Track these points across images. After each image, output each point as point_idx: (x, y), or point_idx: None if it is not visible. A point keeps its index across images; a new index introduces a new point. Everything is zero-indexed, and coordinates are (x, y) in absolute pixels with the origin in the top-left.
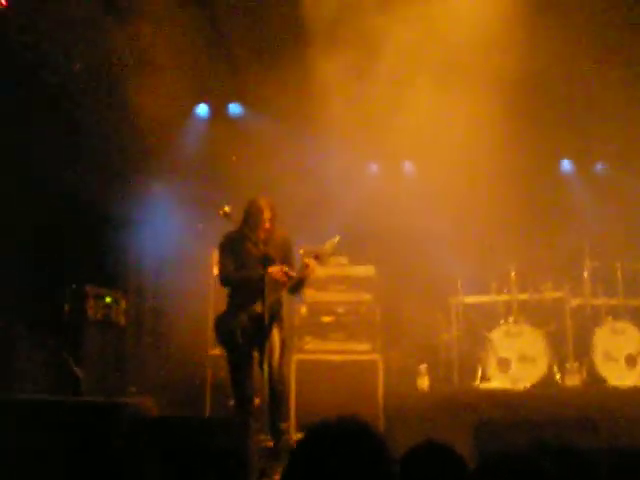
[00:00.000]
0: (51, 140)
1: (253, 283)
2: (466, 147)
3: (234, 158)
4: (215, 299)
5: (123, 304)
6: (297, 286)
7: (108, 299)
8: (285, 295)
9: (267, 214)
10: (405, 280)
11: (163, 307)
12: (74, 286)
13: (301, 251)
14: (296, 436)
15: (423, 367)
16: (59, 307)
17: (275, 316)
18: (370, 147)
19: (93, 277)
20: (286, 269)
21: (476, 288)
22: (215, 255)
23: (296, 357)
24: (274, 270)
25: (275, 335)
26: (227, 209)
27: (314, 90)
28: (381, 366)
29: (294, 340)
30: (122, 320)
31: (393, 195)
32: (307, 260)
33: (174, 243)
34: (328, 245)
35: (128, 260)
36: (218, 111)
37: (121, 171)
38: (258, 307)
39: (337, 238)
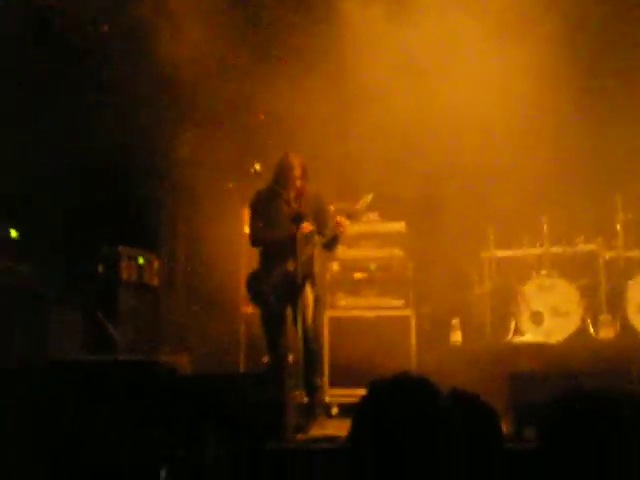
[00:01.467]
0: (77, 100)
1: (285, 242)
2: (504, 95)
3: (262, 116)
4: (247, 258)
5: (156, 265)
6: (329, 244)
7: (141, 260)
8: (317, 253)
9: (298, 171)
10: (437, 236)
11: (195, 267)
12: (107, 247)
13: (332, 208)
14: (331, 392)
15: (456, 322)
16: (93, 268)
17: (308, 274)
18: (408, 98)
19: (126, 238)
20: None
21: (508, 242)
22: (246, 214)
23: (329, 314)
24: (306, 227)
25: (308, 293)
26: (258, 167)
27: (347, 40)
28: (414, 322)
29: (326, 297)
30: (155, 281)
31: (424, 149)
32: (339, 218)
33: (204, 204)
34: (361, 203)
35: (160, 221)
36: None
37: (152, 132)
38: (290, 265)
39: (370, 196)
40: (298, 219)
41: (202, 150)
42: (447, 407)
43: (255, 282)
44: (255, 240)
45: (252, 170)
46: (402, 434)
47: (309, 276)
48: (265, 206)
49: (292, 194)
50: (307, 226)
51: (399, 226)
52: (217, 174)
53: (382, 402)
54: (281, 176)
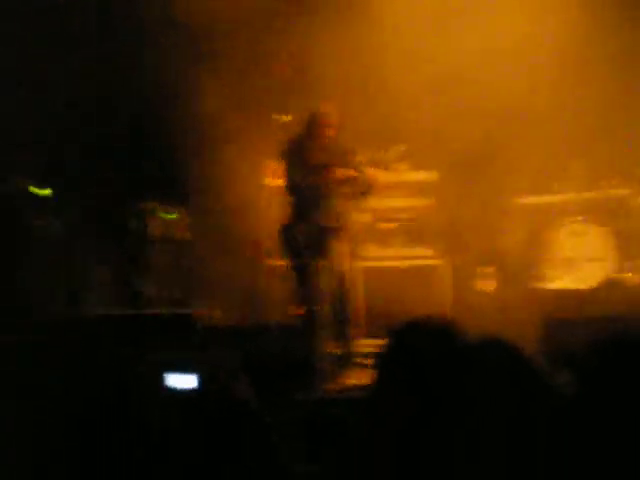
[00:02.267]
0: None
1: (317, 189)
2: (540, 36)
3: (289, 69)
4: (267, 211)
5: (186, 219)
6: (359, 194)
7: (170, 215)
8: (347, 203)
9: (331, 119)
10: (468, 184)
11: (221, 222)
12: (138, 203)
13: (358, 158)
14: (366, 342)
15: (488, 270)
16: (123, 223)
17: (339, 224)
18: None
19: (156, 193)
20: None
21: (540, 187)
22: (268, 165)
23: (361, 264)
24: (339, 172)
25: (340, 244)
26: (286, 118)
27: None
28: (445, 271)
29: (357, 248)
30: (186, 235)
31: (455, 96)
32: (370, 169)
33: (230, 156)
34: (392, 153)
35: (189, 175)
36: None
37: (177, 84)
38: (321, 216)
39: (402, 147)
40: (330, 166)
41: (228, 102)
42: (475, 346)
43: (288, 232)
44: (291, 187)
45: (280, 121)
46: (430, 374)
47: (341, 226)
48: (297, 154)
49: (323, 144)
50: (340, 172)
51: (430, 175)
52: (242, 125)
53: (407, 344)
54: (313, 129)
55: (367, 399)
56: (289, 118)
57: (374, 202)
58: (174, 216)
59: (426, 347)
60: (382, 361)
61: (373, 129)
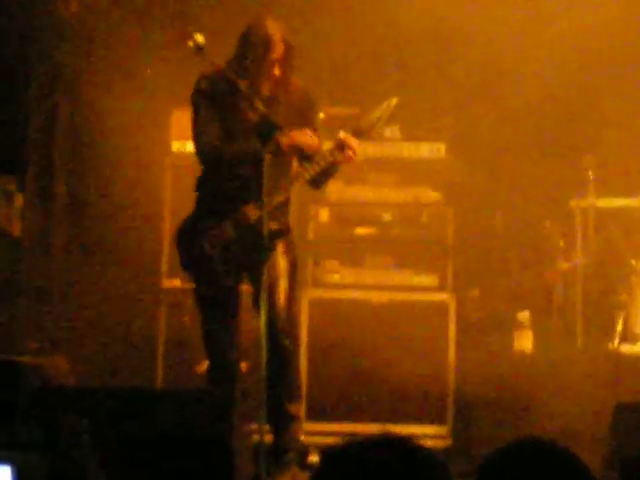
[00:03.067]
0: None
1: (247, 168)
2: None
3: None
4: (174, 197)
5: (18, 200)
6: (319, 177)
7: None
8: (300, 190)
9: (278, 50)
10: (496, 169)
11: (86, 207)
12: None
13: (323, 115)
14: (309, 427)
15: (524, 316)
16: None
17: (280, 227)
18: None
19: None
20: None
21: (616, 186)
22: (177, 119)
23: (311, 294)
24: (288, 139)
25: (280, 258)
26: (200, 39)
27: None
28: (454, 313)
29: (308, 266)
30: (15, 228)
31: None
32: (342, 136)
33: (104, 100)
34: (377, 112)
35: (29, 125)
36: None
37: None
38: (252, 210)
39: (394, 100)
40: (270, 130)
41: (103, 8)
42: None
43: (191, 237)
44: (209, 152)
45: (190, 43)
46: None
47: (282, 231)
48: (216, 102)
49: (265, 88)
50: (294, 135)
51: (434, 149)
52: (127, 50)
53: None
54: (249, 56)
55: None
56: (202, 40)
57: (338, 191)
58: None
59: None
60: None
61: (347, 71)
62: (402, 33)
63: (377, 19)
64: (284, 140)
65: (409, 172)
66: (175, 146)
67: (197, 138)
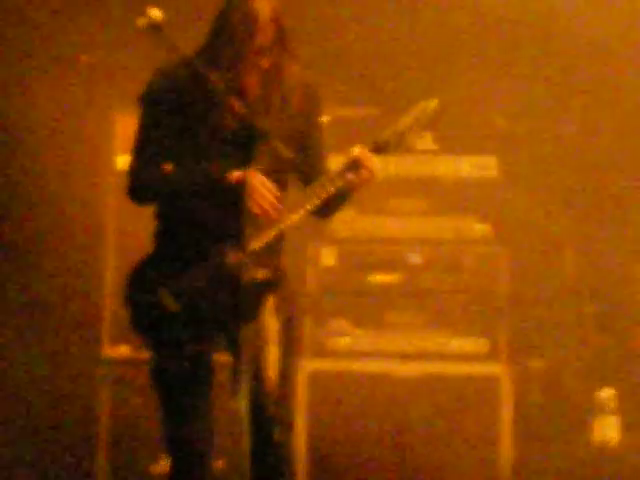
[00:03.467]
0: None
1: (226, 194)
2: None
3: None
4: (120, 230)
5: None
6: (332, 204)
7: None
8: (298, 223)
9: (267, 32)
10: (567, 189)
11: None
12: None
13: (324, 119)
14: None
15: (607, 395)
16: None
17: (271, 274)
18: None
19: None
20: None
21: None
22: (122, 126)
23: (312, 365)
24: (280, 153)
25: (269, 317)
26: (156, 14)
27: None
28: (509, 390)
29: (308, 327)
30: None
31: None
32: (357, 153)
33: (28, 94)
34: (408, 118)
35: None
36: None
37: None
38: (229, 252)
39: (432, 103)
40: (255, 143)
41: None
42: None
43: (146, 287)
44: (140, 181)
45: (141, 22)
46: None
47: (273, 280)
48: (177, 108)
49: (249, 84)
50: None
51: (481, 166)
52: (52, 28)
53: None
54: (226, 40)
55: None
56: (158, 16)
57: (357, 223)
58: None
59: None
60: None
61: (364, 59)
62: (439, 13)
63: None
64: (275, 152)
65: (446, 197)
66: (121, 162)
67: (133, 161)
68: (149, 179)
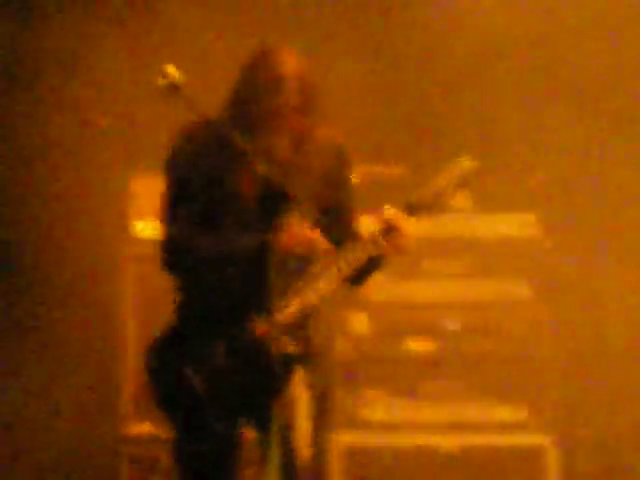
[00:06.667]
0: None
1: (245, 265)
2: None
3: None
4: (139, 302)
5: None
6: (364, 272)
7: None
8: (330, 292)
9: (294, 92)
10: (615, 247)
11: (13, 314)
12: None
13: (354, 178)
14: None
15: None
16: None
17: (301, 346)
18: None
19: None
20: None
21: None
22: (137, 188)
23: (346, 439)
24: (296, 233)
25: (300, 391)
26: (174, 73)
27: None
28: (555, 463)
29: (340, 399)
30: None
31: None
32: (389, 214)
33: (37, 156)
34: (443, 178)
35: None
36: None
37: None
38: (257, 325)
39: (467, 162)
40: (282, 208)
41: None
42: None
43: (168, 362)
44: (176, 250)
45: (160, 81)
46: None
47: (303, 352)
48: (201, 173)
49: (277, 147)
50: (303, 234)
51: (521, 224)
52: (68, 88)
53: None
54: (252, 101)
55: None
56: (177, 75)
57: (391, 287)
58: None
59: None
60: None
61: (393, 115)
62: (473, 62)
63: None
64: (283, 239)
65: (485, 257)
66: (138, 228)
67: (166, 231)
68: (187, 246)
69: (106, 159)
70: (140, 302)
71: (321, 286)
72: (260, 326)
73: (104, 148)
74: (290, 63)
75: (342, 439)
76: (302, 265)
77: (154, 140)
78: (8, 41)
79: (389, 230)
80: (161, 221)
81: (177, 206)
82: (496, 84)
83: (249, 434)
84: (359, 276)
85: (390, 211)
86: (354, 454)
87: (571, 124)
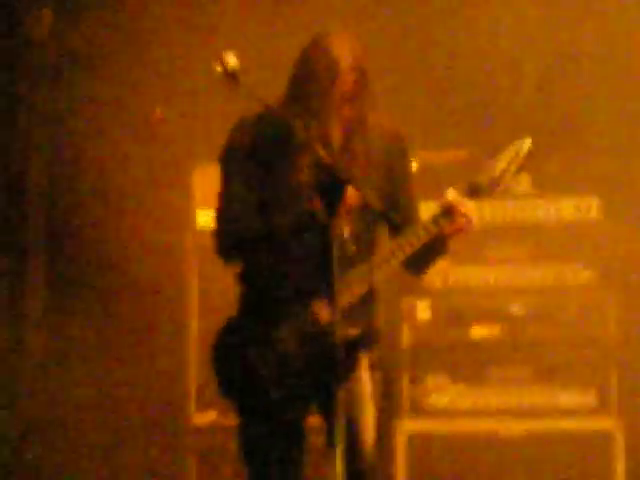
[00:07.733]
0: None
1: (306, 246)
2: None
3: None
4: (203, 291)
5: None
6: (427, 257)
7: None
8: (390, 277)
9: (348, 80)
10: None
11: (72, 306)
12: None
13: (414, 165)
14: None
15: None
16: None
17: (364, 331)
18: None
19: None
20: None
21: None
22: (200, 179)
23: (410, 426)
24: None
25: (364, 377)
26: (232, 60)
27: None
28: (622, 446)
29: (404, 386)
30: None
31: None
32: (451, 197)
33: (100, 149)
34: (502, 160)
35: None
36: None
37: None
38: (320, 309)
39: (526, 143)
40: (340, 190)
41: (82, 32)
42: None
43: (233, 350)
44: (232, 234)
45: (218, 68)
46: None
47: (366, 337)
48: (260, 160)
49: (334, 133)
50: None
51: (583, 208)
52: (126, 80)
53: None
54: (308, 89)
55: None
56: (234, 62)
57: (453, 273)
58: None
59: None
60: None
61: (451, 98)
62: (533, 46)
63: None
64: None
65: (547, 242)
66: (201, 218)
67: (221, 214)
68: (244, 229)
69: (169, 151)
70: (204, 292)
71: (382, 268)
72: (323, 311)
73: (167, 141)
74: (344, 51)
75: (406, 426)
76: (365, 248)
77: (216, 131)
78: (78, 34)
79: (450, 211)
80: (216, 210)
81: (230, 192)
82: (558, 65)
83: (314, 419)
84: (422, 263)
85: (452, 193)
86: (418, 441)
87: (634, 106)
